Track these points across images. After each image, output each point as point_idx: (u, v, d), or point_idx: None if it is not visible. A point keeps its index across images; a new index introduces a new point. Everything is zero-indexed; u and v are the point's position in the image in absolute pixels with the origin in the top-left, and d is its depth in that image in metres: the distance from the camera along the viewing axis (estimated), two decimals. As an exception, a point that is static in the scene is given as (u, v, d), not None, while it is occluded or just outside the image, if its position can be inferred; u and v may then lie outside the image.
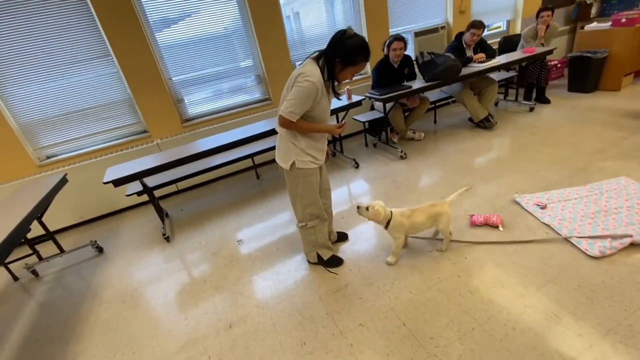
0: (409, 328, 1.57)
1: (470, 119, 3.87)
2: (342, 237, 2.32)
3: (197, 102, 3.61)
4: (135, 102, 3.25)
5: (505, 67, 3.73)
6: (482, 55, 3.65)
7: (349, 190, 3.04)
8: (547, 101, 4.16)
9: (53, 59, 2.92)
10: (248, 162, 3.56)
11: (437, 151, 3.43)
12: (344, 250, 2.21)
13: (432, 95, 3.95)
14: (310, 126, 1.68)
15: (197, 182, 3.73)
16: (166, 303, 2.07)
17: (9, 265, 2.65)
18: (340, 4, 3.93)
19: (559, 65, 5.03)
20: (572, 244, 1.87)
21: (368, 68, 4.19)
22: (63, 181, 2.67)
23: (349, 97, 3.35)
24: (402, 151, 3.43)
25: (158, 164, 2.58)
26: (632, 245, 1.77)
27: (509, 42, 4.50)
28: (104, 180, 2.48)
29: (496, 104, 4.45)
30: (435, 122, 4.31)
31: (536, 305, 1.55)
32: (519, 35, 4.34)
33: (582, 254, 1.79)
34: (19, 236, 1.91)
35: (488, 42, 3.91)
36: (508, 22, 5.14)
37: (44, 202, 2.28)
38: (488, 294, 1.67)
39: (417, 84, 3.42)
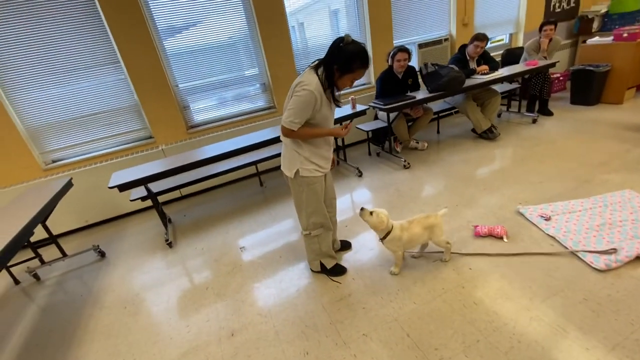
0: (413, 339, 1.56)
1: (473, 130, 3.89)
2: (346, 245, 2.31)
3: (203, 109, 3.64)
4: (141, 108, 3.29)
5: (508, 79, 3.77)
6: (485, 67, 3.69)
7: (353, 199, 3.04)
8: (550, 113, 4.19)
9: (63, 65, 2.96)
10: (252, 169, 3.57)
11: (441, 161, 3.44)
12: (348, 259, 2.21)
13: (436, 105, 3.99)
14: (313, 131, 1.68)
15: (201, 189, 3.74)
16: (168, 309, 2.06)
17: (11, 269, 2.64)
18: (345, 15, 4.00)
19: (561, 78, 5.08)
20: (578, 256, 1.86)
21: (372, 78, 4.24)
22: (68, 185, 2.68)
23: (354, 106, 3.38)
24: (405, 160, 3.44)
25: (163, 169, 2.59)
26: (638, 258, 1.76)
27: (512, 55, 4.55)
28: (110, 185, 2.50)
29: (499, 116, 4.48)
30: (438, 132, 4.33)
31: (542, 318, 1.54)
32: (522, 48, 4.39)
33: (587, 267, 1.78)
34: (22, 240, 1.92)
35: (491, 54, 3.95)
36: (511, 35, 5.21)
37: (48, 206, 2.29)
38: (493, 305, 1.65)
39: (421, 94, 3.45)
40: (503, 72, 3.71)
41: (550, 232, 2.07)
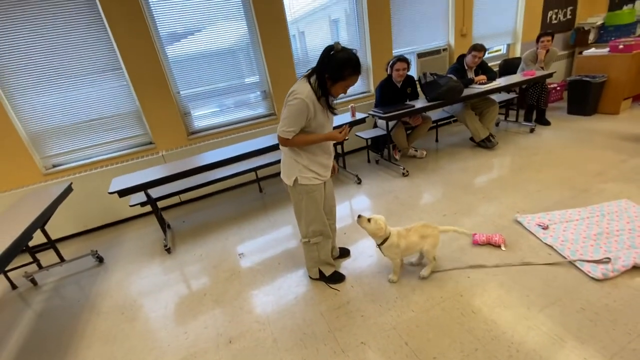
0: (412, 347, 1.55)
1: (472, 139, 3.93)
2: (345, 253, 2.31)
3: (204, 116, 3.67)
4: (142, 114, 3.31)
5: (506, 89, 3.82)
6: (483, 77, 3.74)
7: (352, 206, 3.05)
8: (547, 123, 4.23)
9: (65, 71, 2.99)
10: (251, 176, 3.59)
11: (439, 169, 3.46)
12: (346, 267, 2.21)
13: (434, 114, 4.02)
14: (309, 138, 1.69)
15: (200, 195, 3.74)
16: (165, 316, 2.05)
17: (8, 273, 2.63)
18: (345, 25, 4.06)
19: (558, 88, 5.14)
20: (575, 265, 1.87)
21: (372, 86, 4.28)
22: (68, 190, 2.68)
23: (353, 114, 3.42)
24: (404, 168, 3.46)
25: (163, 175, 2.60)
26: (635, 268, 1.77)
27: (510, 65, 4.61)
28: (110, 191, 2.50)
29: (497, 125, 4.52)
30: (437, 140, 4.36)
31: (540, 327, 1.54)
32: (519, 58, 4.46)
33: (585, 276, 1.79)
34: (21, 245, 1.92)
35: (489, 64, 4.01)
36: (508, 45, 5.28)
37: (48, 211, 2.29)
38: (491, 314, 1.66)
39: (420, 103, 3.49)
40: (501, 82, 3.76)
41: (547, 241, 2.08)
